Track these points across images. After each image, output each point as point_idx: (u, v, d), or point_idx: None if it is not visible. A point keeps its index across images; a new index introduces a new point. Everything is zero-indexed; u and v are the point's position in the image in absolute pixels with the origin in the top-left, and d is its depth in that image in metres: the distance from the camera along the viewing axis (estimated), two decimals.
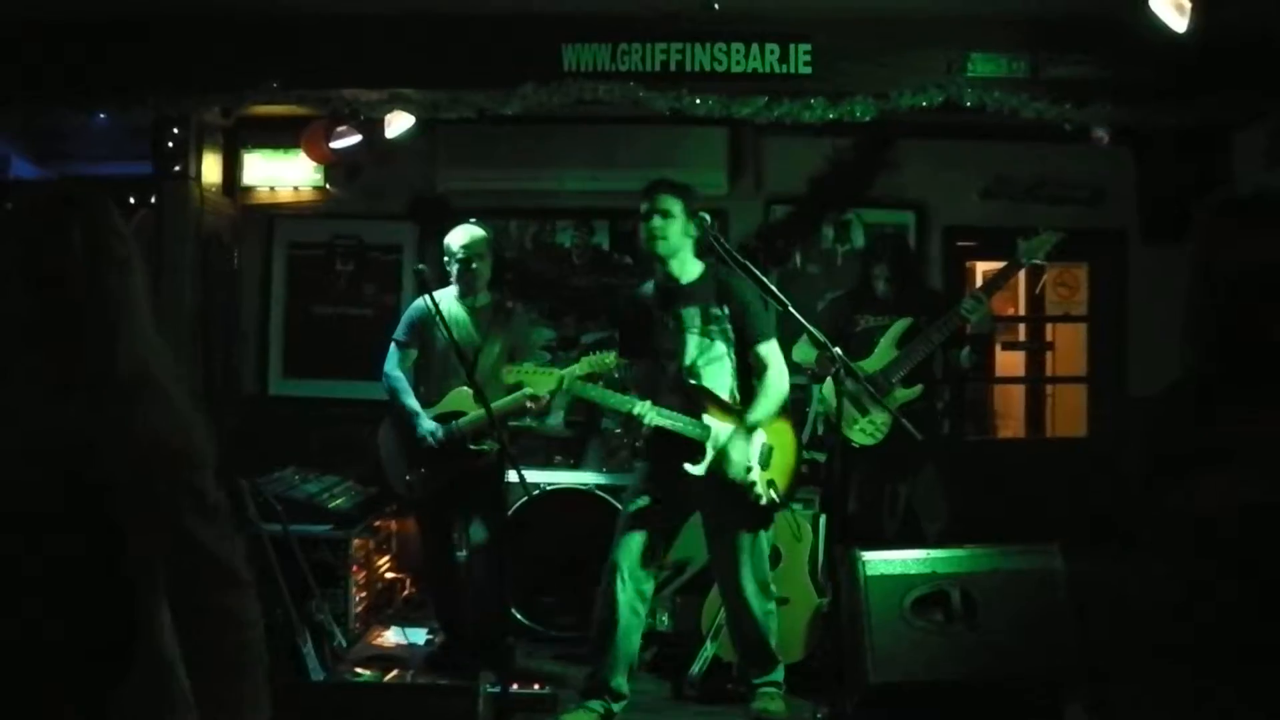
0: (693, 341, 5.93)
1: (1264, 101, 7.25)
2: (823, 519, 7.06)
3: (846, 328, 7.10)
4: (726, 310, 5.92)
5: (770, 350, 5.94)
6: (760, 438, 5.91)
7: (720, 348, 5.93)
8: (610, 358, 6.16)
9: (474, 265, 6.79)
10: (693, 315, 5.95)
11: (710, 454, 5.81)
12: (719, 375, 5.94)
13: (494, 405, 5.97)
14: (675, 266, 5.97)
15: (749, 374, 6.03)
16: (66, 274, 2.37)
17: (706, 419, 5.84)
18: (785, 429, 6.05)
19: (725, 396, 5.95)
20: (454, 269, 6.83)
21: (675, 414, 5.85)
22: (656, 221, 5.88)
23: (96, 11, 7.39)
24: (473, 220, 7.33)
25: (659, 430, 5.91)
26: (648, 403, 5.85)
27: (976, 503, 7.43)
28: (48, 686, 2.34)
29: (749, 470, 5.83)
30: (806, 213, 9.07)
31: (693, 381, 5.87)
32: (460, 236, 6.83)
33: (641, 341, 6.12)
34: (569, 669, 6.93)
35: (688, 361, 5.93)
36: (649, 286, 6.14)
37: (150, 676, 2.39)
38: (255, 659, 2.43)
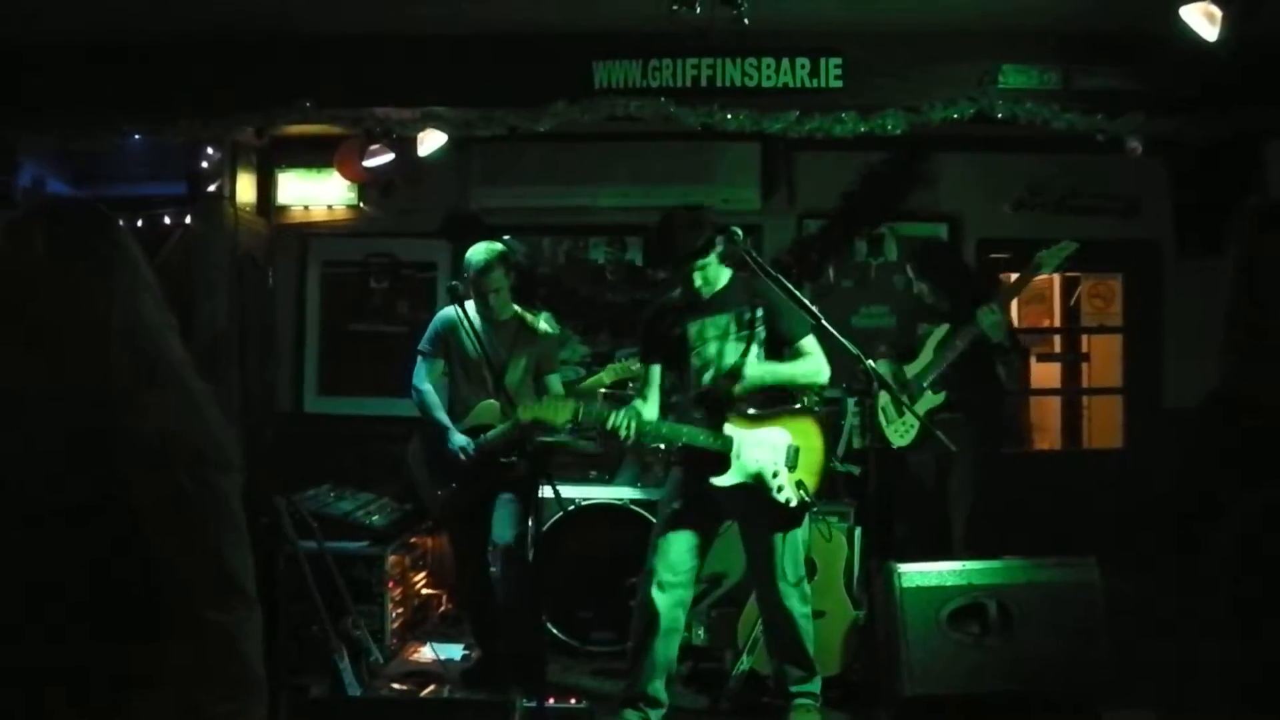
0: (728, 348, 5.90)
1: None
2: (858, 532, 7.05)
3: (910, 337, 7.19)
4: (760, 312, 5.90)
5: (810, 344, 5.88)
6: (787, 439, 5.89)
7: (754, 351, 5.89)
8: (636, 365, 6.14)
9: (486, 276, 6.68)
10: (725, 322, 5.91)
11: (735, 464, 5.79)
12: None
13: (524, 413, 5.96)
14: (709, 279, 5.95)
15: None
16: (30, 277, 2.41)
17: (730, 428, 5.82)
18: (812, 429, 6.00)
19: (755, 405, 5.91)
20: (470, 285, 6.77)
21: (695, 430, 5.83)
22: (698, 280, 5.85)
23: (130, 34, 7.45)
24: (506, 237, 7.35)
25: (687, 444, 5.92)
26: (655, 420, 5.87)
27: (1013, 515, 7.40)
28: (72, 695, 2.35)
29: (775, 474, 5.82)
30: (839, 227, 9.09)
31: (719, 391, 5.86)
32: (473, 252, 6.77)
33: (665, 350, 6.09)
34: (605, 683, 6.93)
35: (723, 368, 5.90)
36: (677, 293, 6.08)
37: (174, 683, 2.40)
38: (250, 680, 2.42)
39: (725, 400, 5.84)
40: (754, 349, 5.89)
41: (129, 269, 2.51)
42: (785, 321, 5.87)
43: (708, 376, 5.92)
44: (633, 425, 5.73)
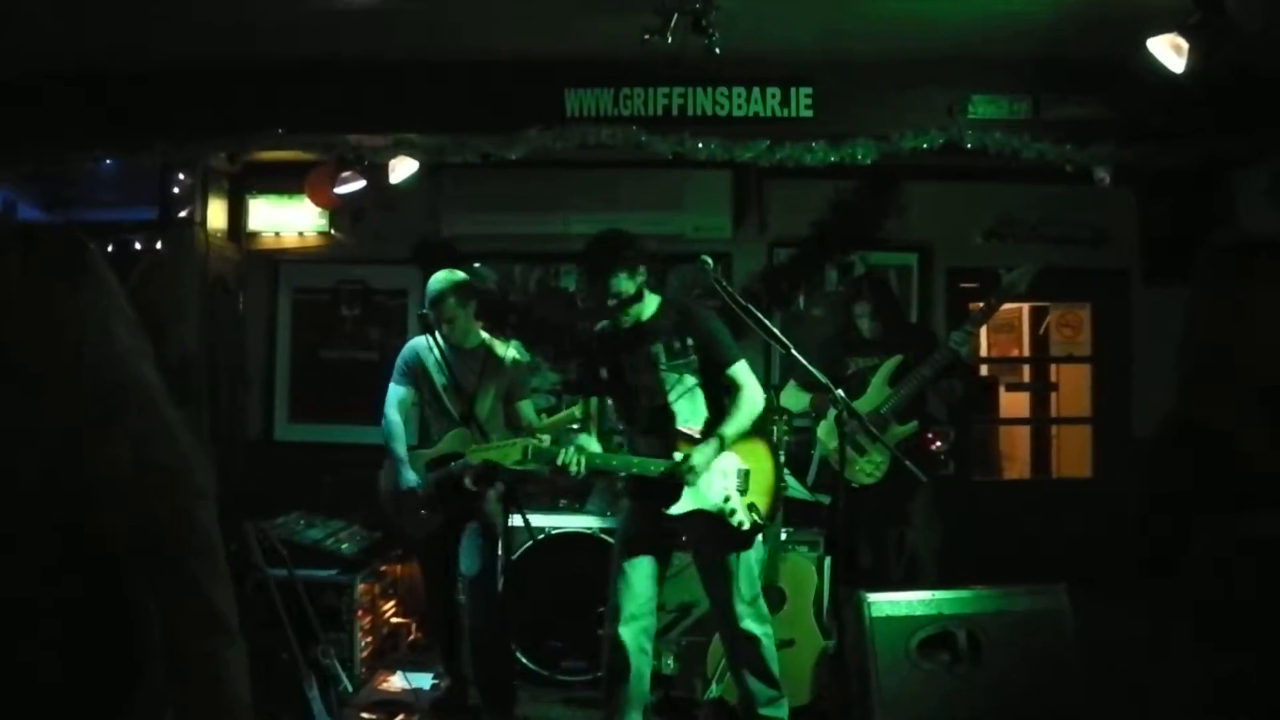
0: (660, 377, 5.84)
1: (1264, 140, 7.27)
2: (828, 561, 7.05)
3: (838, 371, 7.11)
4: (690, 341, 5.87)
5: (741, 371, 5.83)
6: (736, 463, 5.86)
7: (689, 380, 5.83)
8: (574, 412, 6.12)
9: (440, 305, 6.62)
10: (658, 351, 5.85)
11: (686, 492, 5.77)
12: (692, 408, 5.85)
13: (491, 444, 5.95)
14: (635, 310, 5.89)
15: (721, 401, 5.94)
16: (4, 301, 2.39)
17: (679, 455, 5.74)
18: (761, 450, 5.98)
19: (698, 429, 5.85)
20: (431, 313, 6.67)
21: (646, 460, 5.79)
22: (622, 317, 5.80)
23: (103, 60, 7.43)
24: (477, 264, 7.32)
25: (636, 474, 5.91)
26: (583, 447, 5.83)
27: (982, 543, 7.42)
28: None
29: (727, 499, 5.80)
30: (810, 255, 9.10)
31: (663, 419, 5.85)
32: (430, 281, 6.74)
33: (601, 382, 6.03)
34: (576, 713, 6.93)
35: (657, 398, 5.86)
36: (606, 324, 6.02)
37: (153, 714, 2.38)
38: (233, 711, 2.41)
39: (671, 430, 5.82)
40: (700, 399, 5.87)
41: (104, 295, 2.50)
42: (716, 350, 5.83)
43: (641, 409, 5.90)
44: (582, 460, 5.70)
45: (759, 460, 5.94)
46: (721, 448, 5.78)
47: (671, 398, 5.83)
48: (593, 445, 5.90)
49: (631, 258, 5.77)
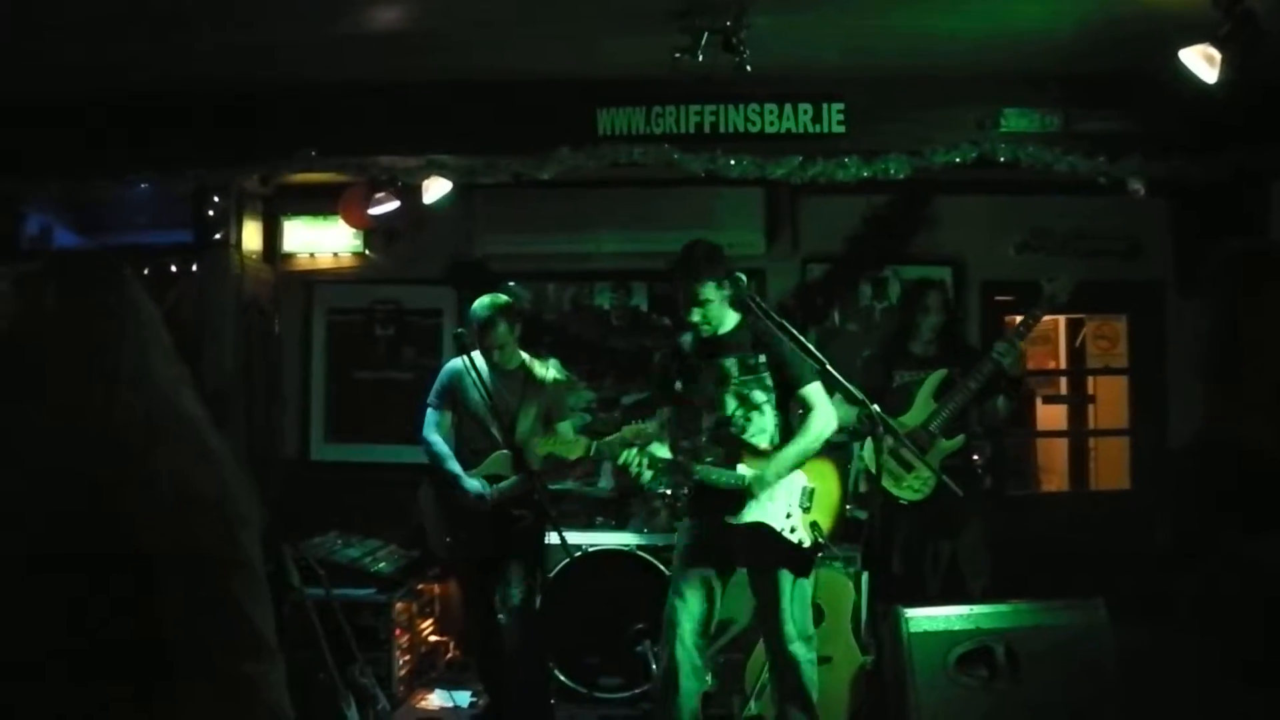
0: (732, 391, 5.89)
1: None
2: (865, 576, 7.03)
3: (883, 384, 7.09)
4: (764, 358, 5.90)
5: (815, 392, 5.88)
6: (802, 480, 5.88)
7: (759, 396, 5.88)
8: (650, 428, 6.13)
9: (490, 330, 6.65)
10: (731, 365, 5.90)
11: (749, 503, 5.78)
12: (759, 424, 5.89)
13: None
14: (716, 321, 5.95)
15: (790, 419, 5.99)
16: (41, 330, 2.40)
17: (743, 468, 5.79)
18: (829, 470, 6.00)
19: (766, 444, 5.89)
20: (475, 337, 6.69)
21: (709, 469, 5.83)
22: (697, 315, 5.84)
23: (137, 84, 7.48)
24: (511, 284, 7.33)
25: (701, 484, 5.90)
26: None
27: (1020, 557, 7.38)
28: None
29: (789, 515, 5.80)
30: (844, 271, 9.09)
31: (732, 431, 5.86)
32: (476, 306, 6.76)
33: (673, 392, 6.09)
34: None
35: (728, 411, 5.89)
36: (688, 338, 6.10)
37: None
38: None
39: (737, 442, 5.84)
40: (769, 415, 5.92)
41: (140, 323, 2.49)
42: (791, 369, 5.87)
43: (710, 420, 5.92)
44: (643, 461, 5.74)
45: (825, 480, 5.97)
46: (786, 465, 5.82)
47: (740, 412, 5.88)
48: (661, 452, 5.93)
49: (721, 267, 5.85)
